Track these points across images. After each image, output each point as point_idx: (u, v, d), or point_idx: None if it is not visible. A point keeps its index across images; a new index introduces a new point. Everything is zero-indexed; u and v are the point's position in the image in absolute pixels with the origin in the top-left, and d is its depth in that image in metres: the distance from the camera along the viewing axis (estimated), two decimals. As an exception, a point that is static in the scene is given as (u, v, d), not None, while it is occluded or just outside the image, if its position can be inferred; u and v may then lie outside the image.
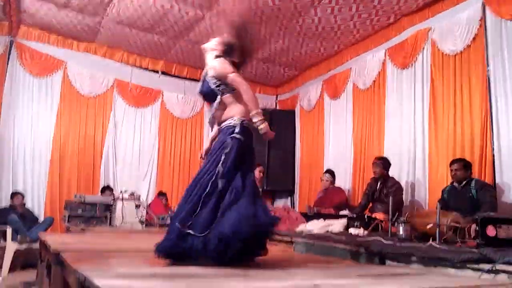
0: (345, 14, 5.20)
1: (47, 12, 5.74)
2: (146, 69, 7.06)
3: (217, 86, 2.61)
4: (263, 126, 2.51)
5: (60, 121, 6.41)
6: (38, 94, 6.31)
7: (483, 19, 4.33)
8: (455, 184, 4.08)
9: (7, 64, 6.10)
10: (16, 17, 5.86)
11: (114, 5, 5.40)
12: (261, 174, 5.98)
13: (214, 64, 2.65)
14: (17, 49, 6.19)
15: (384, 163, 4.92)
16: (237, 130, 2.50)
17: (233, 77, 2.58)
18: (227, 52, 2.69)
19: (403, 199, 4.82)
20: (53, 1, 5.46)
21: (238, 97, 2.61)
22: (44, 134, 6.29)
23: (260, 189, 5.56)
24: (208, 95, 2.67)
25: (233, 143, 2.47)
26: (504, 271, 2.29)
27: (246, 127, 2.56)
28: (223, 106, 2.62)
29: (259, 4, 5.02)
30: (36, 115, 6.27)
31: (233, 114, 2.57)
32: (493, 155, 4.10)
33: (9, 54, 6.13)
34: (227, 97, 2.62)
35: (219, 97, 2.61)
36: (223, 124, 2.60)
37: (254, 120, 2.53)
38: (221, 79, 2.60)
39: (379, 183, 4.94)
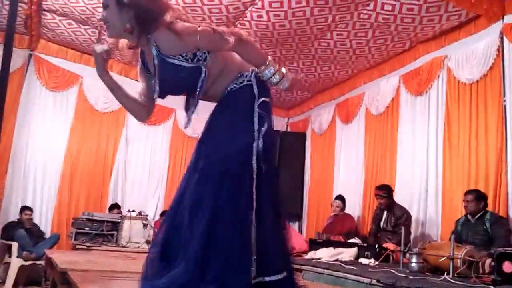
0: (360, 39, 5.22)
1: (66, 28, 5.83)
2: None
3: (193, 60, 1.70)
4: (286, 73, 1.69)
5: (73, 137, 6.42)
6: (53, 108, 6.35)
7: (500, 48, 4.26)
8: (469, 216, 3.98)
9: (25, 76, 6.18)
10: (36, 31, 5.96)
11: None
12: None
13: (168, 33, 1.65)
14: (35, 63, 6.27)
15: (387, 192, 4.82)
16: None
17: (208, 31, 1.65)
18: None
19: (412, 227, 4.71)
20: (73, 17, 5.54)
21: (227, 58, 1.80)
22: (57, 150, 6.29)
23: None
24: (179, 82, 1.79)
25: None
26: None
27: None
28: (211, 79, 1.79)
29: (276, 27, 5.06)
30: (50, 129, 6.30)
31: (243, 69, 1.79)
32: (508, 187, 4.01)
33: (27, 67, 6.21)
34: (213, 63, 1.74)
35: (204, 70, 1.72)
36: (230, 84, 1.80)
37: (270, 70, 1.71)
38: (189, 46, 1.67)
39: (385, 212, 4.84)
